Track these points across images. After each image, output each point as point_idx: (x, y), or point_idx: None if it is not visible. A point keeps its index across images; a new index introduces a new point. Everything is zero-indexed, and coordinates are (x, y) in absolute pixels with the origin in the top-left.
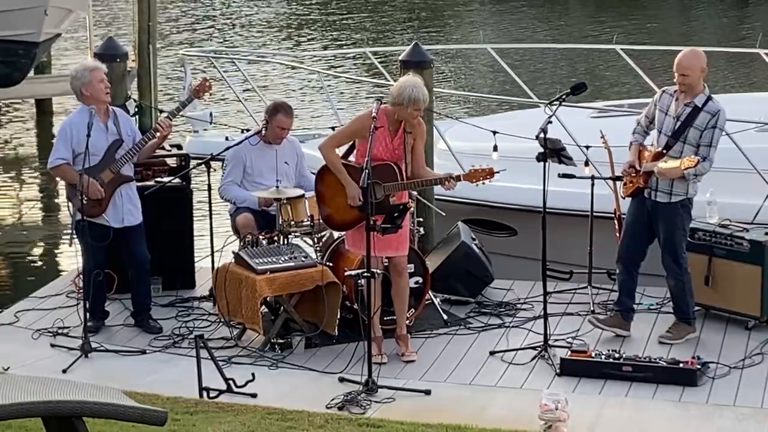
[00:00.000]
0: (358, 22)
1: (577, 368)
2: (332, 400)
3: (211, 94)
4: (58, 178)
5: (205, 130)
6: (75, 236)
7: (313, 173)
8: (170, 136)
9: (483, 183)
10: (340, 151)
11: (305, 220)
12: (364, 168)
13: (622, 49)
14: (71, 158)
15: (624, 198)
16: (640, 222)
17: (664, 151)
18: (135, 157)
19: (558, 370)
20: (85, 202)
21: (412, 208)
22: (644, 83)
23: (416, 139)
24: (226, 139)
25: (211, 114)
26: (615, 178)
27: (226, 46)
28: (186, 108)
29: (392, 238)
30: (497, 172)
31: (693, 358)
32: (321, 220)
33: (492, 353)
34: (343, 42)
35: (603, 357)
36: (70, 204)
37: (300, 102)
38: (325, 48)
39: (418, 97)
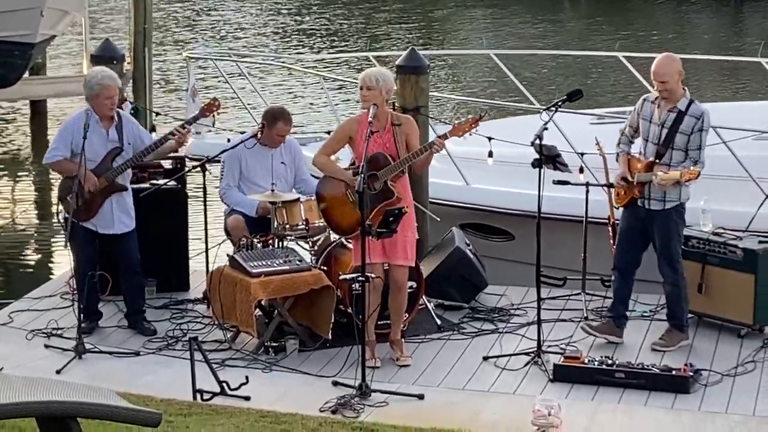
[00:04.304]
0: (371, 28)
1: (570, 374)
2: (326, 403)
3: (220, 113)
4: (55, 173)
5: (209, 131)
6: (69, 236)
7: (314, 177)
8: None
9: (470, 134)
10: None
11: (300, 223)
12: (359, 172)
13: (624, 57)
14: (69, 156)
15: (618, 208)
16: (634, 230)
17: (657, 161)
18: (136, 162)
19: (551, 376)
20: (75, 205)
21: (407, 212)
22: (645, 90)
23: (409, 133)
24: (228, 141)
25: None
26: (609, 185)
27: (236, 51)
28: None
29: (398, 246)
30: (481, 118)
31: (685, 365)
32: (318, 225)
33: (485, 358)
34: (353, 48)
35: (596, 363)
36: (61, 206)
37: (300, 106)
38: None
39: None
